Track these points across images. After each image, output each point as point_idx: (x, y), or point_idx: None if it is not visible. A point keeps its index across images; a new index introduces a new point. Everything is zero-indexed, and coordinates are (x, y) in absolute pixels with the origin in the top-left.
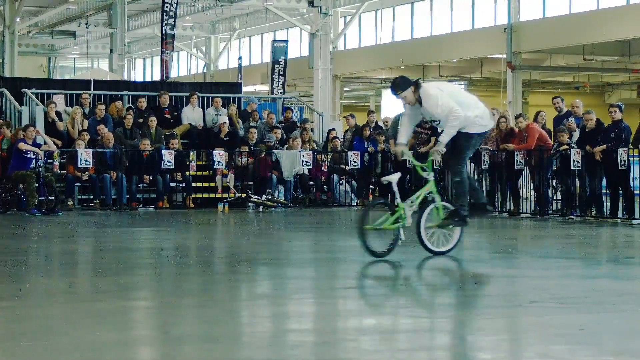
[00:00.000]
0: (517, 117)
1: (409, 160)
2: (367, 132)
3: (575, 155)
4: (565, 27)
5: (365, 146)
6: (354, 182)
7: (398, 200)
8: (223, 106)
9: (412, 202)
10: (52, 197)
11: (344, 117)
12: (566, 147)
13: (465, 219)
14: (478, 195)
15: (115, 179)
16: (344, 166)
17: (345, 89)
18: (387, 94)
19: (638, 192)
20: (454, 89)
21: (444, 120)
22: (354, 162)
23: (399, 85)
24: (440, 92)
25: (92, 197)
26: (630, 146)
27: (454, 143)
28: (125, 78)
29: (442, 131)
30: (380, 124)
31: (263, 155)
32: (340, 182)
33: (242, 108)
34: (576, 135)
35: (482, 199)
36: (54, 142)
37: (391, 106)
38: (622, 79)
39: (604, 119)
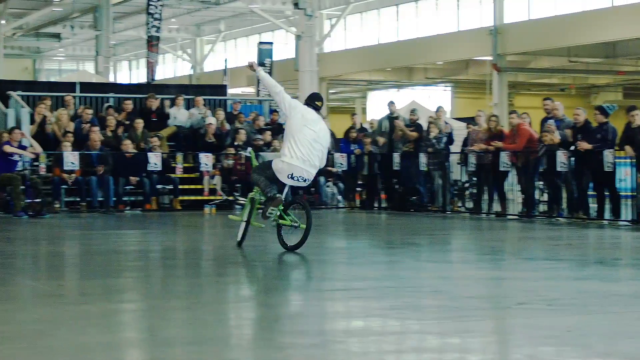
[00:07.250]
0: (510, 113)
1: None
2: (354, 134)
3: (562, 157)
4: (550, 28)
5: (352, 148)
6: (340, 184)
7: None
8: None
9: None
10: (39, 200)
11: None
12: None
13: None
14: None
15: (102, 172)
16: (330, 168)
17: (331, 91)
18: (373, 96)
19: (624, 193)
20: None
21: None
22: (341, 164)
23: None
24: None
25: (78, 199)
26: (616, 147)
27: None
28: (111, 80)
29: None
30: (366, 125)
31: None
32: (327, 184)
33: (228, 110)
34: (556, 137)
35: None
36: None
37: (377, 108)
38: (607, 80)
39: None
